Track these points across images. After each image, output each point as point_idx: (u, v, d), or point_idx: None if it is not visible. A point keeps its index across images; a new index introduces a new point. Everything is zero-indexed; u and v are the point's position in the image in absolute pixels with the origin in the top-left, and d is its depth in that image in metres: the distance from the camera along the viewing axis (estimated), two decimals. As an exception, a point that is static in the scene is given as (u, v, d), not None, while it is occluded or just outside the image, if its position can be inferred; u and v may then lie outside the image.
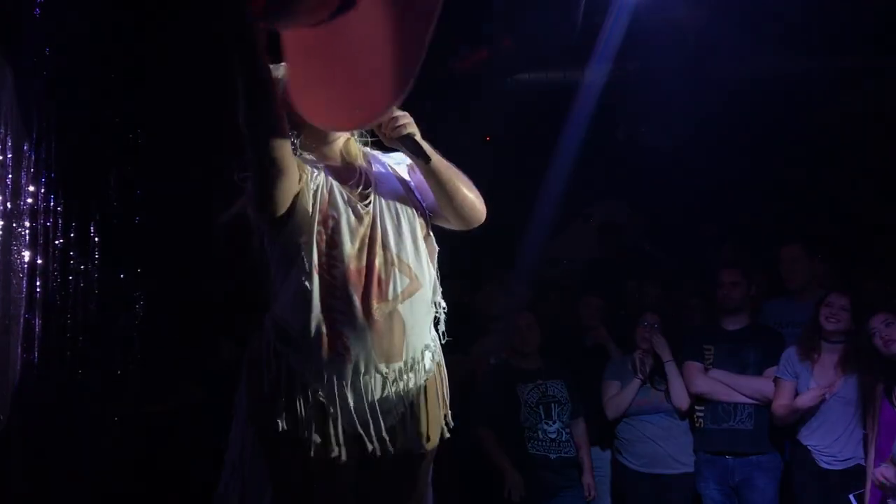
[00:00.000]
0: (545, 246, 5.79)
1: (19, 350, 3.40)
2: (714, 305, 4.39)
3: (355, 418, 2.06)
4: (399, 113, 2.03)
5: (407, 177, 2.20)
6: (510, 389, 4.16)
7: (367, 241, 2.04)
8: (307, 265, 2.01)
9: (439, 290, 2.16)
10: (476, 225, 2.18)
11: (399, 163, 2.22)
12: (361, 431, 2.06)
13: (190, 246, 4.14)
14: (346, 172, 2.13)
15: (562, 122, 5.30)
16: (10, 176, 3.34)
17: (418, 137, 2.04)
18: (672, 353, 4.23)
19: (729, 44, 5.01)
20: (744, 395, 4.09)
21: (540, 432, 4.10)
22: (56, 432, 3.60)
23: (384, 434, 2.07)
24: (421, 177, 2.14)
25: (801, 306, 4.21)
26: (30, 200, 3.44)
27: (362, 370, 2.04)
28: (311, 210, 2.03)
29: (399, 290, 2.04)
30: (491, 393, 4.19)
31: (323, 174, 2.09)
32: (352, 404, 2.04)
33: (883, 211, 5.17)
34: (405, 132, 2.02)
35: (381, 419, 2.07)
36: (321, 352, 2.03)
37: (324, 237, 2.03)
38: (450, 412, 2.21)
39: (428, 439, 2.15)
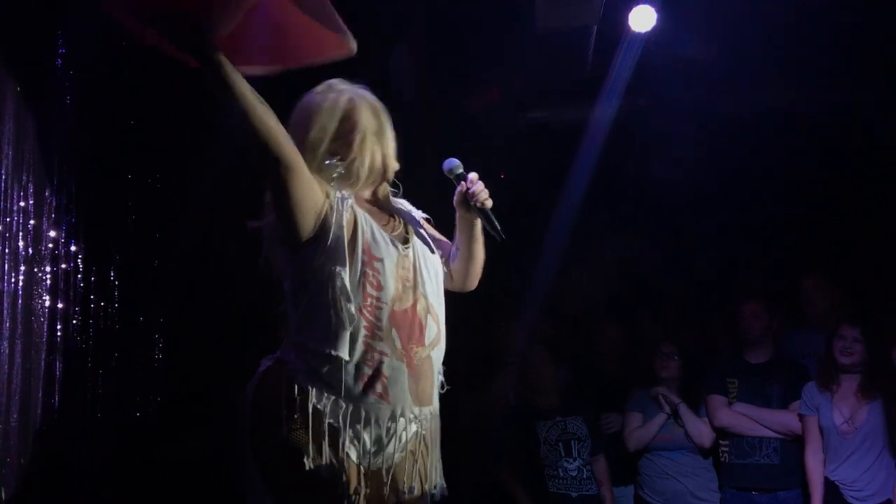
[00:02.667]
0: (560, 280, 5.78)
1: (40, 394, 3.41)
2: (734, 337, 4.36)
3: (382, 461, 2.06)
4: (481, 183, 2.16)
5: (426, 225, 2.28)
6: (529, 427, 4.14)
7: (409, 284, 2.08)
8: (353, 303, 1.99)
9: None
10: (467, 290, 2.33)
11: (412, 209, 2.28)
12: (384, 475, 2.06)
13: (210, 288, 4.16)
14: (380, 213, 2.17)
15: (573, 158, 5.33)
16: (31, 222, 3.38)
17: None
18: (681, 393, 4.20)
19: (738, 78, 5.04)
20: (769, 429, 4.04)
21: (560, 470, 4.06)
22: (77, 476, 3.60)
23: (405, 477, 2.08)
24: (434, 231, 2.25)
25: (823, 337, 4.17)
26: (51, 245, 3.49)
27: (398, 412, 2.05)
28: (347, 237, 2.00)
29: (432, 336, 2.10)
30: (510, 431, 4.17)
31: (357, 209, 2.08)
32: (380, 447, 2.05)
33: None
34: (490, 204, 2.15)
35: (403, 462, 2.09)
36: (359, 391, 2.02)
37: (369, 277, 2.02)
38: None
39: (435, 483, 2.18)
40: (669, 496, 4.18)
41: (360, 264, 2.01)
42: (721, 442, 4.18)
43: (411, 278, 2.08)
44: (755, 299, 4.26)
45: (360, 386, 2.01)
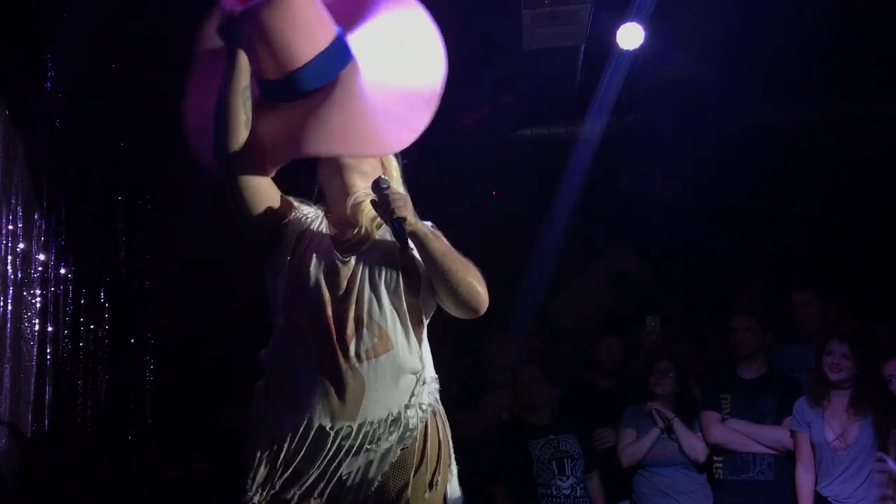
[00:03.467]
0: (554, 296, 5.80)
1: (30, 418, 3.39)
2: (726, 352, 4.36)
3: (302, 471, 2.03)
4: (398, 194, 2.05)
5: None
6: (521, 445, 4.12)
7: (340, 293, 2.03)
8: (279, 306, 2.07)
9: (424, 360, 2.10)
10: (475, 313, 2.08)
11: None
12: (308, 486, 2.02)
13: (200, 310, 4.16)
14: (347, 229, 2.15)
15: (564, 175, 5.35)
16: (20, 245, 3.38)
17: (412, 220, 2.03)
18: (675, 408, 4.19)
19: (726, 94, 5.08)
20: (762, 444, 4.03)
21: (553, 489, 4.04)
22: (68, 499, 3.57)
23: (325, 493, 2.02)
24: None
25: (814, 352, 4.17)
26: (40, 269, 3.48)
27: (304, 422, 2.01)
28: (290, 251, 2.08)
29: (363, 348, 2.01)
30: (502, 449, 4.15)
31: (323, 224, 2.13)
32: (299, 456, 2.02)
33: (890, 254, 5.16)
34: (396, 215, 2.01)
35: (319, 476, 2.02)
36: (279, 396, 2.05)
37: (295, 282, 2.06)
38: (431, 478, 2.10)
39: None
40: (665, 513, 4.15)
41: (286, 264, 2.07)
42: (715, 458, 4.16)
43: (344, 287, 2.03)
44: (748, 314, 4.25)
45: (281, 389, 2.05)
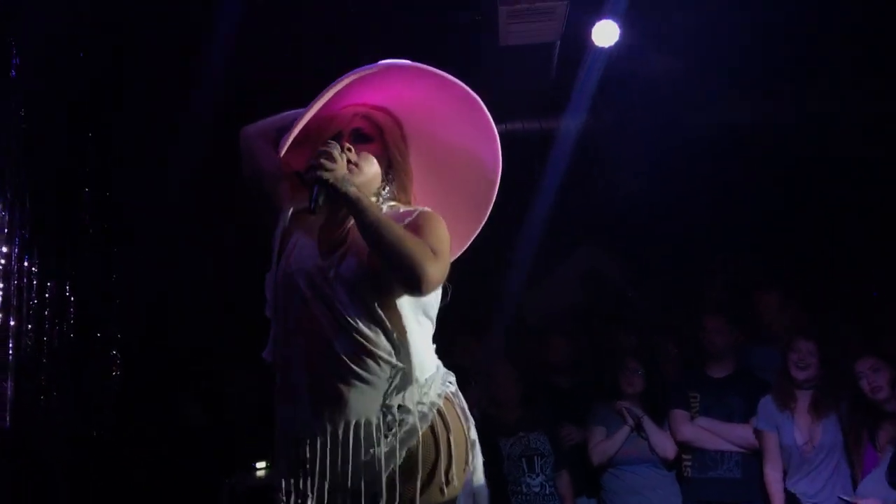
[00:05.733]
0: (526, 294, 5.78)
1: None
2: (696, 351, 4.38)
3: (301, 470, 2.03)
4: (331, 158, 1.99)
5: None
6: (491, 443, 4.11)
7: (320, 295, 2.02)
8: (272, 306, 2.12)
9: (414, 360, 2.05)
10: (414, 288, 1.97)
11: (400, 210, 2.17)
12: (306, 485, 2.02)
13: (168, 304, 4.10)
14: (333, 223, 2.12)
15: (539, 171, 5.34)
16: (-18, 238, 3.31)
17: (338, 186, 1.96)
18: (644, 407, 4.21)
19: (700, 92, 5.09)
20: (730, 442, 4.06)
21: (523, 486, 4.04)
22: (30, 498, 3.51)
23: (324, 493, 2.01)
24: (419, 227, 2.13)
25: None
26: (3, 261, 3.40)
27: (304, 427, 2.03)
28: (277, 248, 2.12)
29: (348, 350, 1.99)
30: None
31: (301, 220, 2.15)
32: (296, 455, 2.04)
33: (857, 255, 5.22)
34: (316, 177, 1.97)
35: (315, 475, 2.02)
36: (282, 400, 2.09)
37: (281, 282, 2.09)
38: (446, 476, 2.06)
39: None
40: (634, 510, 4.17)
41: (281, 272, 2.10)
42: (684, 456, 4.19)
43: (326, 288, 2.02)
44: (717, 314, 4.28)
45: (280, 395, 2.09)
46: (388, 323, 2.02)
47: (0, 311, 3.37)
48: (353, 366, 1.99)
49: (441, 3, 4.39)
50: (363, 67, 2.05)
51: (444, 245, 2.04)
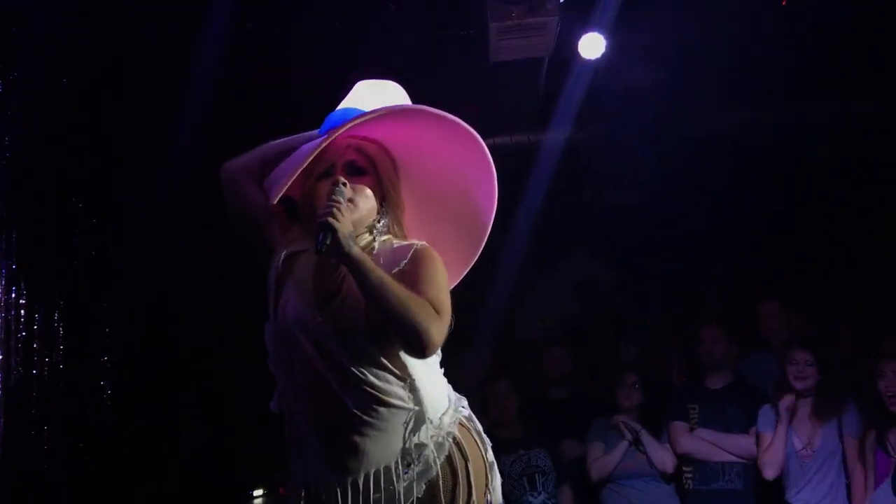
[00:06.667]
0: (518, 307, 5.76)
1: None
2: (693, 362, 4.37)
3: None
4: (341, 205, 1.94)
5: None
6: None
7: (321, 347, 1.97)
8: (272, 358, 2.09)
9: (425, 400, 2.01)
10: (417, 353, 1.93)
11: (395, 258, 2.09)
12: None
13: (168, 304, 4.05)
14: (329, 276, 2.05)
15: (527, 184, 5.32)
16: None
17: (345, 242, 1.89)
18: (642, 420, 4.19)
19: (688, 102, 5.10)
20: (730, 453, 4.05)
21: (525, 505, 4.00)
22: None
23: None
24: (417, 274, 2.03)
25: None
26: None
27: (315, 479, 2.01)
28: (273, 293, 2.07)
29: (355, 404, 1.95)
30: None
31: (295, 263, 2.09)
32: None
33: (855, 259, 5.25)
34: (327, 224, 1.89)
35: None
36: (292, 453, 2.06)
37: (281, 337, 2.04)
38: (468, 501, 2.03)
39: None
40: (634, 525, 4.14)
41: (280, 326, 2.04)
42: (684, 468, 4.17)
43: (321, 342, 1.97)
44: (714, 324, 4.28)
45: (290, 447, 2.07)
46: (395, 370, 1.98)
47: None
48: (366, 417, 1.96)
49: (432, 18, 4.37)
50: (362, 114, 2.01)
51: (444, 294, 1.99)
